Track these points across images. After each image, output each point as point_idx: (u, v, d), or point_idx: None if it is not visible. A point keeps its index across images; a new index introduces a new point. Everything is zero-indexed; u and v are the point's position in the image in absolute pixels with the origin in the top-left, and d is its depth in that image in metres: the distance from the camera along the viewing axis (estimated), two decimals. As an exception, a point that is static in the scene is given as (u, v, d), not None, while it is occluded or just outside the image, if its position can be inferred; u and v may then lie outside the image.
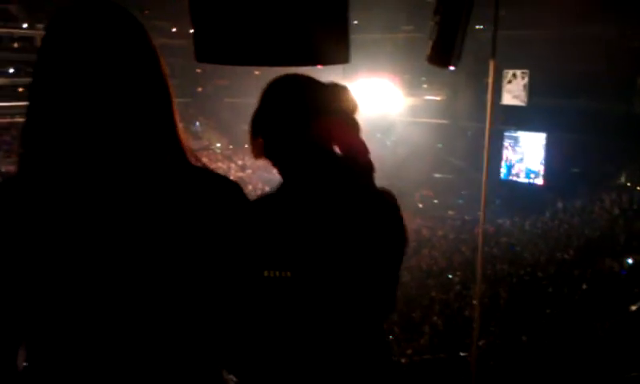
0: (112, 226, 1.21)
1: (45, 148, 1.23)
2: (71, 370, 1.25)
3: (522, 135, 31.61)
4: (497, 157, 30.27)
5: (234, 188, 1.36)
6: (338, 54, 2.19)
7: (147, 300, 1.24)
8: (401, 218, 1.97)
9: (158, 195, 1.25)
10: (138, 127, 1.26)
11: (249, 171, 37.03)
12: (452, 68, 4.36)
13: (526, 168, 31.93)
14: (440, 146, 35.28)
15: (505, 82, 30.14)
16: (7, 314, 1.22)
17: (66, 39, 1.25)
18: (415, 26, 33.92)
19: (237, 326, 1.36)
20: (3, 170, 36.07)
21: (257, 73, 28.40)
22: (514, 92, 30.52)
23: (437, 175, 34.76)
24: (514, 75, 30.25)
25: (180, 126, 1.34)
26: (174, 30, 41.18)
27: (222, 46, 2.04)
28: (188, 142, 1.34)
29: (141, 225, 1.23)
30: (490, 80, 4.73)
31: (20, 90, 42.88)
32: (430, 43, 4.32)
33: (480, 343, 11.26)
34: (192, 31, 2.03)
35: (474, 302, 5.15)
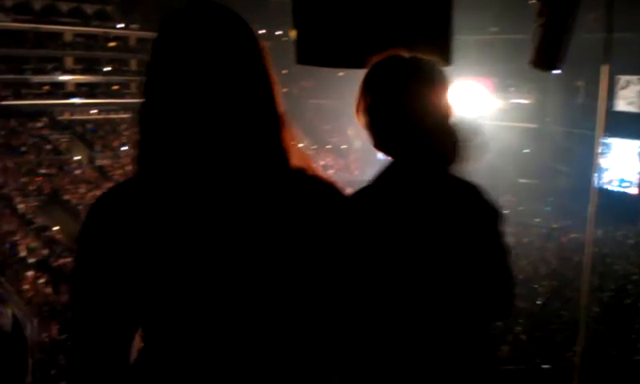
0: (218, 227, 1.25)
1: (158, 150, 1.27)
2: (181, 368, 1.29)
3: (614, 142, 30.32)
4: (588, 164, 29.13)
5: (331, 189, 1.36)
6: (441, 56, 2.17)
7: (250, 297, 1.26)
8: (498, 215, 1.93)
9: (259, 197, 1.27)
10: (243, 130, 1.28)
11: (331, 172, 37.28)
12: (557, 71, 4.21)
13: (620, 176, 30.60)
14: (527, 150, 34.33)
15: (617, 87, 29.09)
16: (126, 304, 1.27)
17: (178, 42, 1.27)
18: (501, 27, 33.12)
19: (339, 326, 1.37)
20: (97, 164, 37.84)
21: (341, 74, 28.51)
22: (629, 98, 29.45)
23: (522, 180, 33.85)
24: (628, 81, 29.19)
25: (287, 127, 1.35)
26: (262, 32, 41.95)
27: (325, 50, 2.06)
28: (294, 142, 1.35)
29: (243, 224, 1.26)
30: (603, 85, 4.51)
31: (114, 87, 44.89)
32: (534, 46, 4.17)
33: (568, 355, 10.86)
34: (278, 33, 2.05)
35: (580, 315, 4.94)
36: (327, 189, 1.36)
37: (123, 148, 39.57)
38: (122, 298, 1.26)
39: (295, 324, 1.32)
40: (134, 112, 45.69)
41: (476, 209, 1.87)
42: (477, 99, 32.17)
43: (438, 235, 1.81)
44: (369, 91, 1.88)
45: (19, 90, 39.19)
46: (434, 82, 1.85)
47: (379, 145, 1.86)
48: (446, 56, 2.22)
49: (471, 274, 1.82)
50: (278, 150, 1.32)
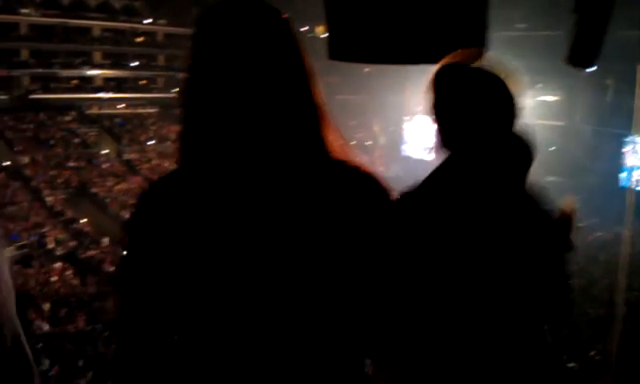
0: (259, 219, 1.26)
1: (200, 143, 1.29)
2: (223, 357, 1.30)
3: (644, 140, 29.80)
4: (615, 162, 28.72)
5: (372, 181, 1.35)
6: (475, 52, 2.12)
7: (293, 290, 1.27)
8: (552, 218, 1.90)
9: (301, 188, 1.28)
10: (283, 122, 1.29)
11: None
12: (592, 69, 4.16)
13: (649, 175, 30.06)
14: (553, 148, 33.90)
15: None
16: (170, 293, 1.28)
17: (218, 36, 1.29)
18: (529, 23, 32.71)
19: (378, 321, 1.37)
20: (125, 157, 38.23)
21: (366, 70, 28.35)
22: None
23: (549, 178, 33.44)
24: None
25: (327, 119, 1.35)
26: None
27: (357, 45, 2.05)
28: (335, 135, 1.36)
29: (286, 217, 1.27)
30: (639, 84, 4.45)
31: (141, 82, 45.28)
32: (570, 43, 4.12)
33: (592, 354, 10.73)
34: (303, 29, 2.06)
35: (616, 312, 4.94)
36: (368, 180, 1.35)
37: (150, 142, 39.94)
38: (167, 287, 1.28)
39: (334, 317, 1.31)
40: (160, 107, 46.27)
41: (537, 215, 1.84)
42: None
43: (494, 239, 1.78)
44: (442, 90, 1.86)
45: (48, 84, 39.77)
46: (508, 83, 1.85)
47: (447, 144, 1.85)
48: (482, 47, 2.23)
49: (526, 280, 1.79)
50: (318, 141, 1.33)
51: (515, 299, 1.78)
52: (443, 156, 1.86)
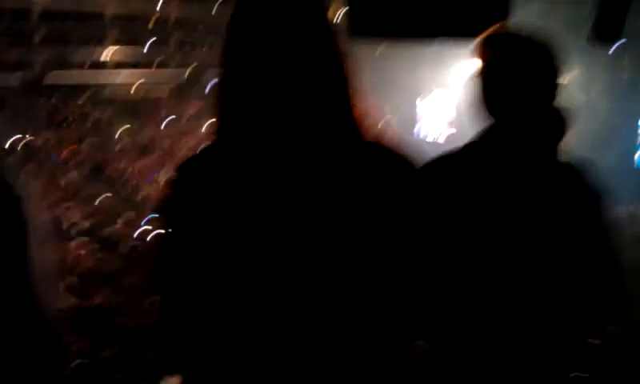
0: (292, 197, 1.31)
1: (235, 121, 1.32)
2: (255, 338, 1.38)
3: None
4: (631, 141, 28.32)
5: (404, 162, 1.37)
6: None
7: (324, 273, 1.33)
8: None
9: (333, 171, 1.33)
10: (317, 103, 1.34)
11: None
12: (616, 44, 4.13)
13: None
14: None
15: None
16: (200, 272, 1.35)
17: (254, 19, 1.34)
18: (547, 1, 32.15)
19: (413, 301, 1.41)
20: (140, 138, 38.14)
21: (377, 53, 28.30)
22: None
23: (563, 158, 32.81)
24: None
25: (357, 101, 1.38)
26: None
27: (378, 21, 2.06)
28: (366, 116, 1.36)
29: (319, 197, 1.31)
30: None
31: (155, 63, 45.01)
32: (594, 20, 4.07)
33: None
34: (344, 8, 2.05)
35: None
36: (400, 161, 1.35)
37: (164, 122, 39.80)
38: (201, 263, 1.31)
39: (369, 298, 1.35)
40: (174, 86, 46.03)
41: (578, 192, 1.78)
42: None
43: (530, 215, 1.79)
44: (497, 54, 1.84)
45: (62, 65, 39.65)
46: (553, 55, 1.82)
47: (494, 111, 1.81)
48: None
49: (569, 265, 1.77)
50: (351, 123, 1.34)
51: (547, 285, 1.73)
52: (484, 125, 1.82)
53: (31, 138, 33.60)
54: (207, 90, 51.98)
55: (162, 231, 1.42)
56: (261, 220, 1.33)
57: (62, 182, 30.06)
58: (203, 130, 45.35)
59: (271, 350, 1.38)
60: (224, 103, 1.36)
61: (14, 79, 36.23)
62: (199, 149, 1.42)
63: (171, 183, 1.38)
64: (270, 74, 1.33)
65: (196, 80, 47.98)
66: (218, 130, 1.39)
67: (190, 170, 1.37)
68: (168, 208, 1.39)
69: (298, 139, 1.32)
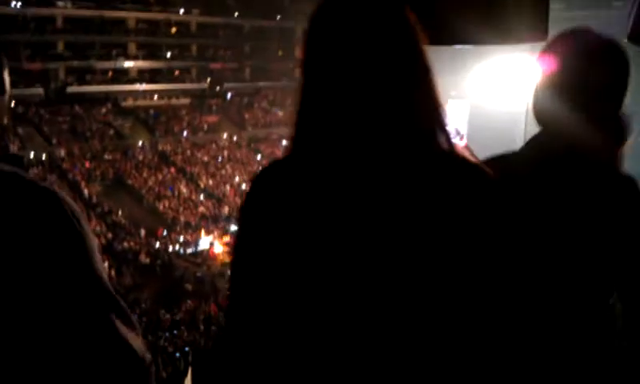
0: (369, 211, 1.25)
1: (314, 134, 1.30)
2: (321, 353, 1.28)
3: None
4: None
5: (481, 175, 1.32)
6: (535, 32, 2.20)
7: (403, 293, 1.24)
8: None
9: (411, 184, 1.27)
10: (397, 116, 1.27)
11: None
12: None
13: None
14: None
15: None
16: (273, 282, 1.29)
17: (333, 25, 1.30)
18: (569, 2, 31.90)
19: (501, 322, 1.33)
20: (160, 149, 38.58)
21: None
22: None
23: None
24: None
25: (442, 114, 1.33)
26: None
27: (438, 29, 2.06)
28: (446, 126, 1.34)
29: (396, 212, 1.25)
30: None
31: (176, 73, 45.61)
32: (634, 18, 3.82)
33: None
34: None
35: None
36: (478, 173, 1.32)
37: (184, 133, 40.22)
38: (274, 273, 1.28)
39: (447, 327, 1.27)
40: (193, 97, 46.84)
41: (625, 206, 1.76)
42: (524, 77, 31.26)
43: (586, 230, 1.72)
44: (559, 63, 1.78)
45: (84, 76, 40.23)
46: (627, 60, 1.77)
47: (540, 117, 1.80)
48: (541, 31, 2.20)
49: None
50: (431, 137, 1.31)
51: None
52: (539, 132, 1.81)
53: (54, 148, 33.93)
54: (228, 99, 51.79)
55: (239, 240, 1.36)
56: (339, 235, 1.25)
57: (84, 194, 30.30)
58: (223, 139, 45.19)
59: (341, 373, 1.27)
60: (303, 113, 1.33)
61: (37, 90, 36.73)
62: (274, 159, 1.38)
63: (247, 194, 1.35)
64: (350, 84, 1.27)
65: (216, 89, 47.98)
66: (296, 140, 1.35)
67: (265, 181, 1.36)
68: (243, 219, 1.36)
69: (377, 151, 1.27)
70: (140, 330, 1.27)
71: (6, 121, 1.32)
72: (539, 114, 1.79)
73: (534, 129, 1.80)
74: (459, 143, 1.35)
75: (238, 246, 1.35)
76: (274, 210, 1.28)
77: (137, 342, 1.24)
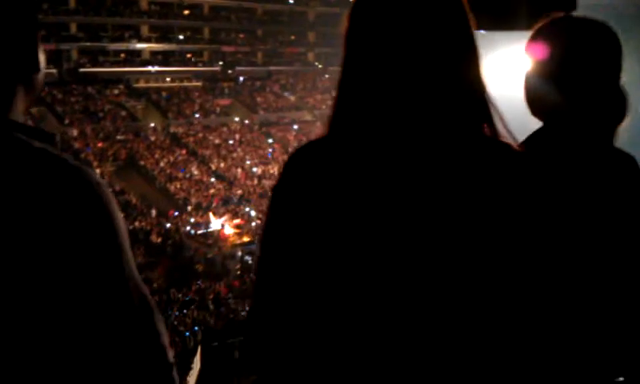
0: (412, 197, 1.17)
1: (355, 115, 1.22)
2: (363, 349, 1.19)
3: None
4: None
5: (525, 162, 1.23)
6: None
7: (450, 284, 1.16)
8: None
9: (455, 170, 1.18)
10: (442, 100, 1.20)
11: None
12: None
13: None
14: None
15: None
16: (308, 270, 1.21)
17: (379, 6, 1.23)
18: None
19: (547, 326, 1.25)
20: (172, 131, 38.64)
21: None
22: None
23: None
24: None
25: (486, 100, 1.25)
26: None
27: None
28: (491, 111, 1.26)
29: (439, 198, 1.17)
30: None
31: (188, 55, 45.57)
32: None
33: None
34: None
35: None
36: (521, 158, 1.24)
37: (196, 115, 40.27)
38: (309, 260, 1.19)
39: (497, 321, 1.20)
40: (206, 80, 46.72)
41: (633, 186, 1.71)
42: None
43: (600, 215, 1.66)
44: (571, 41, 1.74)
45: (96, 57, 40.31)
46: (609, 42, 1.73)
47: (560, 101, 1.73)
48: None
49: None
50: (476, 122, 1.23)
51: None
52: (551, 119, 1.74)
53: (67, 128, 34.09)
54: (240, 82, 51.59)
55: (270, 222, 1.26)
56: (380, 220, 1.17)
57: (98, 172, 30.44)
58: (235, 122, 45.16)
59: (383, 366, 1.18)
60: (344, 92, 1.25)
61: (51, 71, 36.83)
62: (311, 140, 1.29)
63: (282, 174, 1.25)
64: (400, 61, 1.20)
65: (228, 73, 47.87)
66: (335, 120, 1.26)
67: (302, 161, 1.25)
68: (277, 199, 1.26)
69: (420, 136, 1.20)
70: (167, 332, 1.16)
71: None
72: (533, 104, 1.76)
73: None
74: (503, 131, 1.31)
75: (270, 227, 1.26)
76: (312, 191, 1.20)
77: (165, 344, 1.13)
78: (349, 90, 1.26)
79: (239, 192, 31.86)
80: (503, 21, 2.13)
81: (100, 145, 34.22)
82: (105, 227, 1.04)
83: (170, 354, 1.12)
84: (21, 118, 1.11)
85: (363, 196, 1.18)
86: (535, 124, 1.72)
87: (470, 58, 1.25)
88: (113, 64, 40.89)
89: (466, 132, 1.22)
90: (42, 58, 1.15)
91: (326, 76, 50.07)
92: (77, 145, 33.92)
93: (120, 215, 1.09)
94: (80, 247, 1.00)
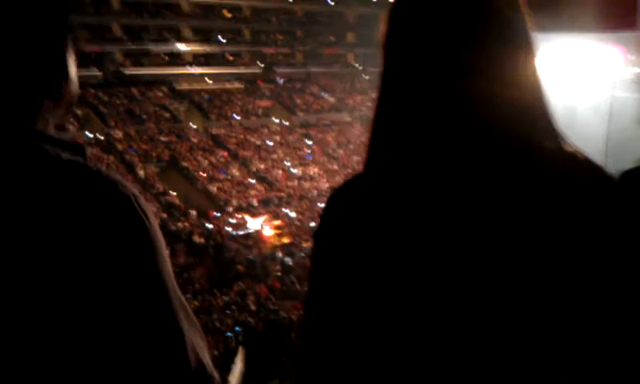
0: (469, 237, 1.01)
1: (398, 139, 1.06)
2: None
3: None
4: None
5: (602, 177, 1.04)
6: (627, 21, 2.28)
7: (511, 320, 1.02)
8: None
9: (519, 199, 1.02)
10: (508, 115, 1.03)
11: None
12: None
13: None
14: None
15: None
16: (357, 314, 1.09)
17: (423, 7, 1.05)
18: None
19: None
20: (213, 132, 39.05)
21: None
22: None
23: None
24: None
25: (547, 106, 1.08)
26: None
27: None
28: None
29: (503, 235, 1.01)
30: None
31: (229, 57, 45.99)
32: None
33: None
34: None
35: None
36: (602, 175, 1.05)
37: (237, 117, 40.60)
38: (357, 304, 1.07)
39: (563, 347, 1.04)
40: (246, 82, 47.10)
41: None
42: (605, 65, 30.15)
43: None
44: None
45: (140, 59, 40.96)
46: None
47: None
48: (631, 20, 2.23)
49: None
50: (544, 133, 1.06)
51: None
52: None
53: (111, 130, 34.72)
54: (280, 83, 51.83)
55: (315, 274, 1.14)
56: (437, 262, 1.01)
57: (139, 175, 30.99)
58: (274, 123, 45.36)
59: None
60: (383, 116, 1.09)
61: (95, 73, 37.59)
62: (349, 177, 1.13)
63: (323, 218, 1.12)
64: (449, 72, 1.02)
65: (268, 74, 48.10)
66: (374, 151, 1.11)
67: (343, 202, 1.12)
68: (321, 249, 1.12)
69: (480, 164, 1.02)
70: (208, 346, 1.13)
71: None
72: None
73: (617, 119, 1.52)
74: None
75: (315, 279, 1.15)
76: (356, 237, 1.08)
77: (205, 358, 1.09)
78: (387, 111, 1.11)
79: (281, 194, 32.01)
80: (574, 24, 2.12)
81: (143, 146, 34.75)
82: (143, 243, 1.01)
83: (210, 368, 1.09)
84: (51, 129, 1.04)
85: (415, 238, 1.04)
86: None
87: (530, 66, 1.09)
88: (155, 66, 41.52)
89: (529, 148, 1.04)
90: (72, 66, 1.09)
91: (365, 77, 50.05)
92: (120, 146, 34.52)
93: (157, 228, 1.06)
94: (118, 263, 0.97)
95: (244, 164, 35.33)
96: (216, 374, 1.12)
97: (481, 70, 1.03)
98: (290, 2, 47.09)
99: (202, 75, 42.83)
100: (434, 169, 1.03)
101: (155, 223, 1.05)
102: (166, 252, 1.07)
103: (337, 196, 1.13)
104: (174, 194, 30.43)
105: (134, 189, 1.04)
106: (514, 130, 1.03)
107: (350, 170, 39.22)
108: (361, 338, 1.08)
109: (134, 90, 39.20)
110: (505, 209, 1.00)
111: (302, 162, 37.06)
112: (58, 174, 0.96)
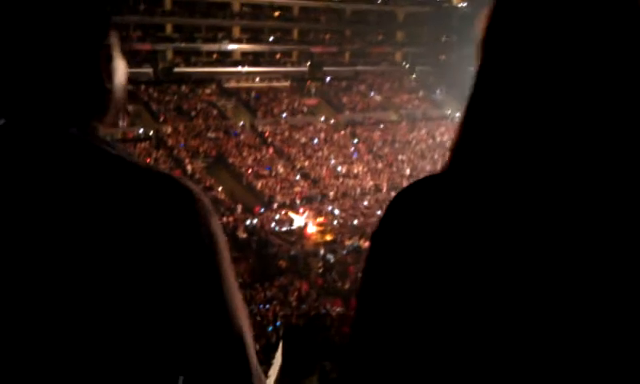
0: (555, 252, 0.91)
1: (488, 146, 0.96)
2: None
3: None
4: None
5: None
6: None
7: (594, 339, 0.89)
8: None
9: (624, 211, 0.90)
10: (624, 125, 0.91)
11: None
12: None
13: None
14: None
15: None
16: (414, 323, 0.99)
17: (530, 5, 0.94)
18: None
19: None
20: (259, 130, 39.41)
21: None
22: None
23: None
24: None
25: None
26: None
27: None
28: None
29: (592, 253, 0.90)
30: None
31: (277, 56, 46.30)
32: None
33: None
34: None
35: None
36: None
37: (283, 115, 40.89)
38: (416, 313, 0.98)
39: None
40: (293, 80, 47.15)
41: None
42: None
43: None
44: None
45: (190, 57, 41.68)
46: None
47: None
48: None
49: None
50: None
51: None
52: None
53: (161, 125, 35.43)
54: (327, 82, 51.51)
55: (369, 266, 1.05)
56: (517, 277, 0.92)
57: (187, 170, 31.55)
58: (321, 121, 45.28)
59: None
60: (476, 114, 0.99)
61: (147, 70, 38.41)
62: (423, 177, 1.04)
63: (385, 218, 1.03)
64: (547, 83, 0.92)
65: (315, 73, 48.12)
66: (460, 151, 1.00)
67: (412, 204, 1.01)
68: (378, 242, 1.03)
69: (578, 169, 0.91)
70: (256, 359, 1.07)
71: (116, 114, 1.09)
72: None
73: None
74: None
75: (369, 281, 1.04)
76: (428, 239, 0.96)
77: (254, 371, 1.05)
78: (485, 112, 0.98)
79: (325, 191, 32.18)
80: None
81: (192, 142, 35.38)
82: (204, 251, 1.00)
83: (258, 379, 1.06)
84: (102, 130, 1.06)
85: (491, 249, 0.93)
86: None
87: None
88: (205, 64, 42.16)
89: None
90: (117, 74, 1.08)
91: (413, 76, 49.82)
92: (170, 141, 35.22)
93: (220, 229, 1.04)
94: (184, 261, 0.97)
95: (289, 161, 35.69)
96: (262, 375, 1.09)
97: (604, 83, 0.90)
98: (338, 1, 47.16)
99: (250, 74, 43.30)
100: (526, 180, 0.93)
101: (221, 232, 1.04)
102: (228, 252, 1.05)
103: (404, 197, 1.04)
104: (220, 189, 30.92)
105: (198, 188, 1.03)
106: (621, 148, 0.90)
107: (395, 170, 39.12)
108: (417, 343, 0.99)
109: (184, 88, 39.94)
110: (591, 227, 0.90)
111: (347, 160, 37.12)
112: (123, 173, 0.98)
